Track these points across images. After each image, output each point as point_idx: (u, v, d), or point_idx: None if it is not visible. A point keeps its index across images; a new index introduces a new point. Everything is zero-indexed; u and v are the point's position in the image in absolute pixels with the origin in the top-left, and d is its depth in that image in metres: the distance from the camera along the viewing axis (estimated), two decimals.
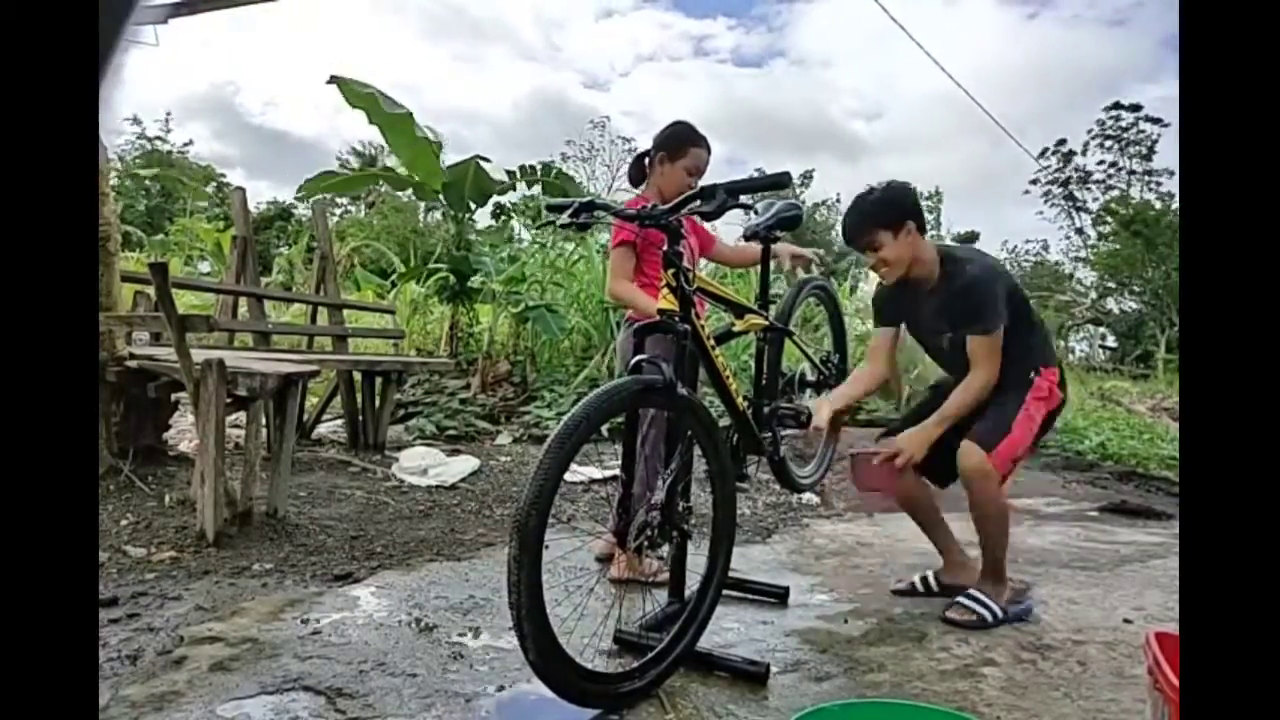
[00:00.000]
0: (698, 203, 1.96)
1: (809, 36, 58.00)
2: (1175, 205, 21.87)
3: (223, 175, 28.18)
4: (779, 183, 1.95)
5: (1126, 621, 2.54)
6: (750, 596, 2.63)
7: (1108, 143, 29.24)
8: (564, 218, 2.09)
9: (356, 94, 6.47)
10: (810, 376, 2.86)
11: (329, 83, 6.39)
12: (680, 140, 2.68)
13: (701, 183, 2.59)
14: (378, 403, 5.04)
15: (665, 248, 1.97)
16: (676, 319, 1.96)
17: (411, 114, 6.66)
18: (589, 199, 2.14)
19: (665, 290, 1.96)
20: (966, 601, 2.44)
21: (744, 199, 1.94)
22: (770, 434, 2.51)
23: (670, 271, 1.95)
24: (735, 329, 2.51)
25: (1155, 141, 28.36)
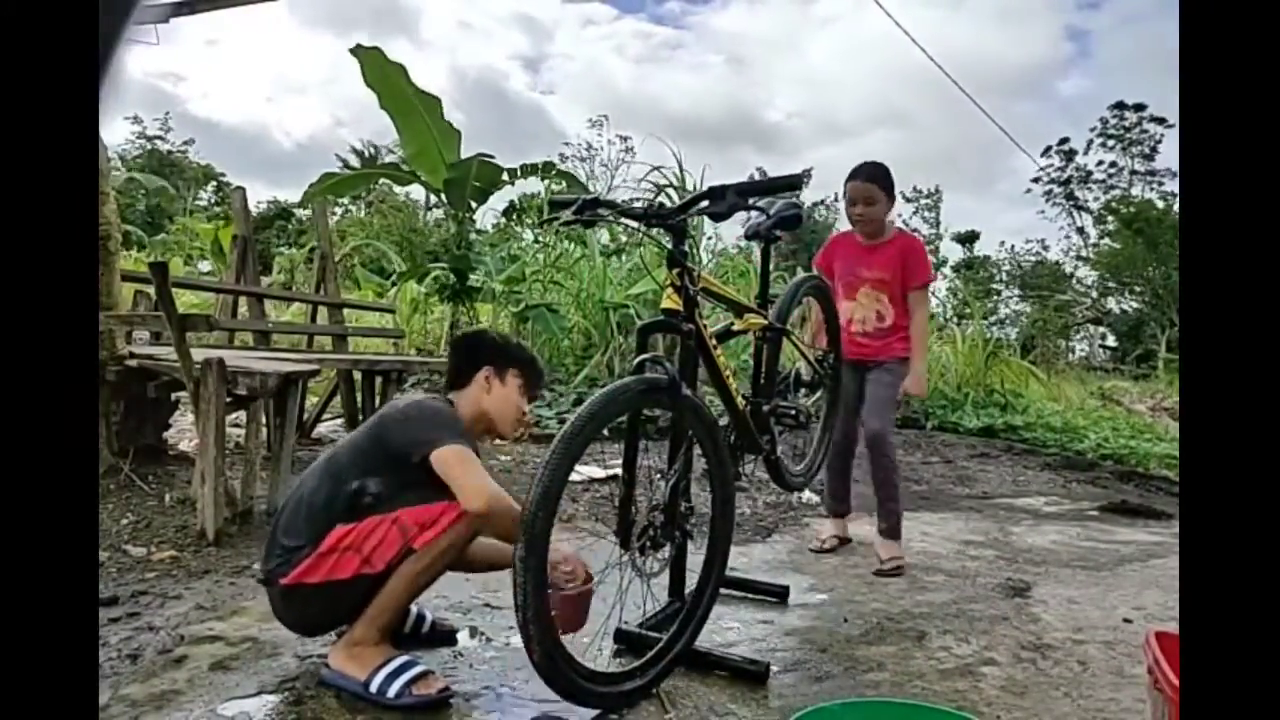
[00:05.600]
0: (706, 203, 1.96)
1: (725, 34, 58.89)
2: (1177, 205, 21.85)
3: (222, 175, 28.20)
4: (790, 184, 1.94)
5: (1126, 621, 2.54)
6: (750, 596, 2.63)
7: (1109, 142, 29.27)
8: (568, 215, 2.08)
9: (377, 71, 6.25)
10: (806, 375, 2.85)
11: (352, 52, 6.22)
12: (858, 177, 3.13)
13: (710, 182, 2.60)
14: (378, 402, 5.03)
15: (671, 247, 1.97)
16: (681, 319, 1.95)
17: (438, 100, 6.52)
18: (592, 196, 2.12)
19: (670, 290, 1.96)
20: None
21: (754, 201, 1.93)
22: (768, 433, 2.51)
23: (675, 271, 1.95)
24: (734, 328, 2.51)
25: (1158, 141, 28.41)
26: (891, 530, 3.11)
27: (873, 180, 3.04)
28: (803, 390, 2.81)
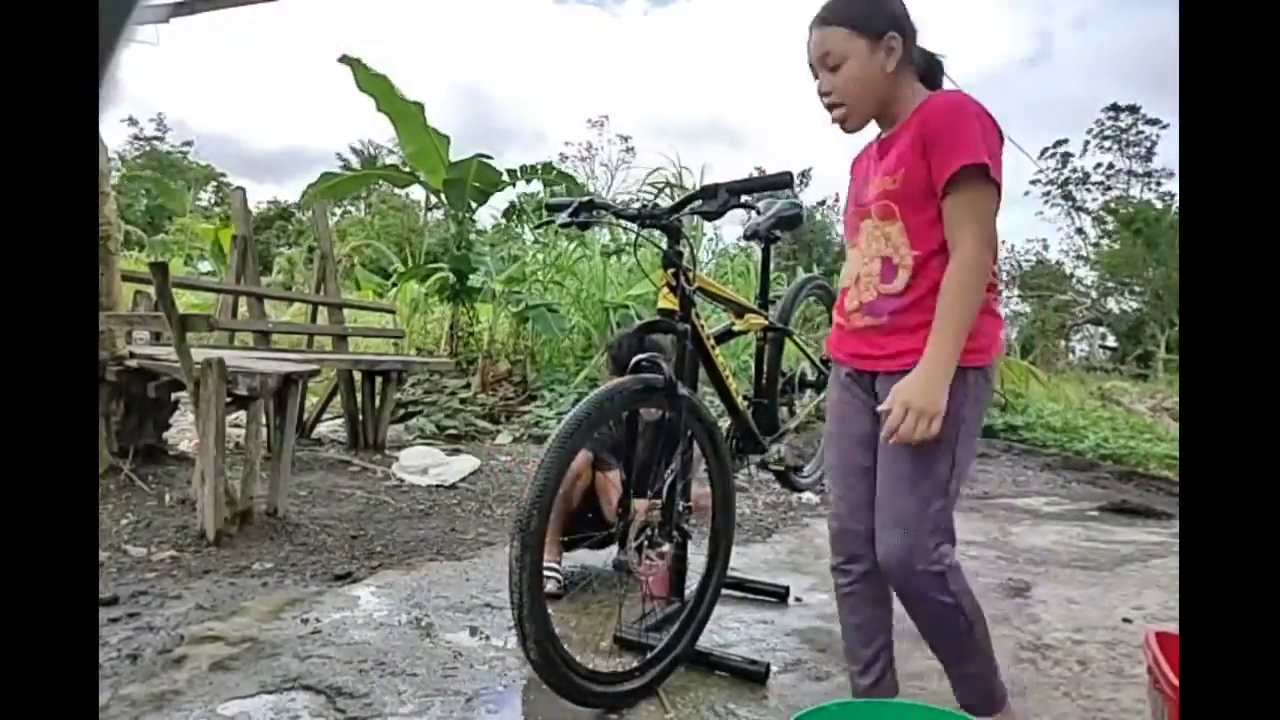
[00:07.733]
0: (699, 202, 1.96)
1: (699, 32, 59.58)
2: (1175, 205, 21.89)
3: (222, 175, 28.20)
4: (781, 182, 1.94)
5: (1126, 621, 2.54)
6: (750, 596, 2.63)
7: (1106, 144, 29.32)
8: (563, 217, 2.08)
9: (368, 79, 6.48)
10: (810, 376, 2.86)
11: (340, 61, 6.40)
12: None
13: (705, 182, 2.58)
14: (378, 402, 5.03)
15: (665, 247, 1.97)
16: (677, 319, 1.95)
17: (422, 106, 6.65)
18: (588, 198, 2.13)
19: (665, 289, 1.96)
20: None
21: (746, 199, 1.93)
22: (771, 433, 2.51)
23: (670, 271, 1.95)
24: (735, 329, 2.51)
25: (1155, 143, 28.49)
26: (984, 701, 1.62)
27: (831, 21, 1.49)
28: (808, 391, 2.81)
